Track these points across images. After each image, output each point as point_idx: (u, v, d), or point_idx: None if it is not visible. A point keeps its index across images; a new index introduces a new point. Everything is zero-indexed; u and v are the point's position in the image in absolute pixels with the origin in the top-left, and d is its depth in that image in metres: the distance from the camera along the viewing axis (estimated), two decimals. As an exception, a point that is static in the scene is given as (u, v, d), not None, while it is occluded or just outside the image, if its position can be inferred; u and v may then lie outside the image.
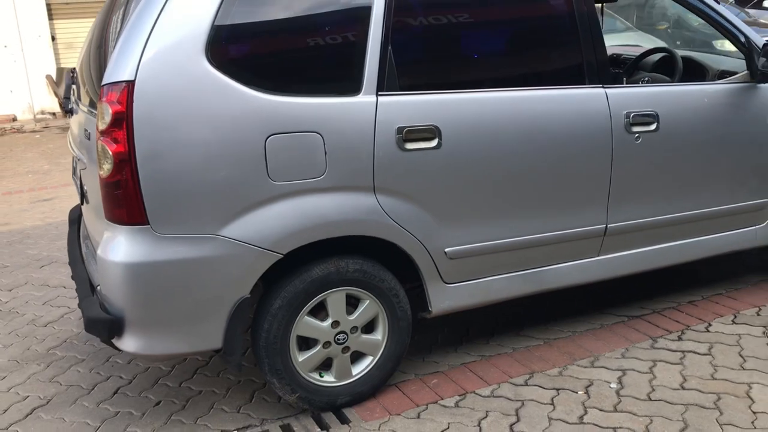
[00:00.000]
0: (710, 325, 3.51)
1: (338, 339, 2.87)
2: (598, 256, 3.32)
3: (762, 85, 3.49)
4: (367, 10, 2.75)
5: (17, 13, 12.42)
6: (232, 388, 3.17)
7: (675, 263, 3.54)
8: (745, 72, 3.49)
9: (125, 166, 2.46)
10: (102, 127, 2.48)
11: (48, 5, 12.67)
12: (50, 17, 12.75)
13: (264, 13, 2.63)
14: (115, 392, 3.19)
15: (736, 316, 3.58)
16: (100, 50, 2.88)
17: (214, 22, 2.53)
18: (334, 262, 2.80)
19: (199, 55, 2.51)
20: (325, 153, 2.66)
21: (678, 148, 3.31)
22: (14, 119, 12.53)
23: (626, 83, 3.89)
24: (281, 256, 2.66)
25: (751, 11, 12.91)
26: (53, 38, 12.77)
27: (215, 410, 3.01)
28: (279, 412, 2.96)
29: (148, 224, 2.51)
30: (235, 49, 2.58)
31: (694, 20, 11.63)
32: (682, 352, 3.26)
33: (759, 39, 3.47)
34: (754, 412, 2.77)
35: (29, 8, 12.46)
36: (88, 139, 2.75)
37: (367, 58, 2.73)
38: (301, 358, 2.83)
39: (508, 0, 3.04)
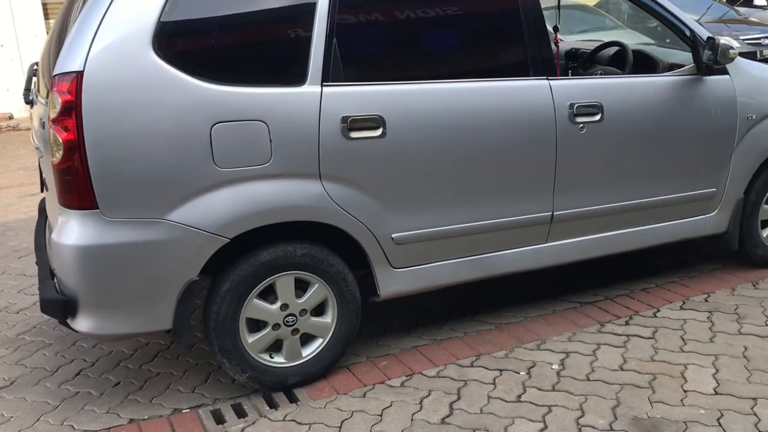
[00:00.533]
0: (658, 310, 3.61)
1: (287, 321, 2.98)
2: (546, 242, 3.42)
3: (707, 77, 3.59)
4: (312, 3, 2.86)
5: (13, 12, 12.58)
6: (189, 370, 3.29)
7: (624, 250, 3.64)
8: (692, 65, 3.59)
9: (75, 153, 2.58)
10: (53, 116, 2.60)
11: (44, 4, 12.83)
12: (46, 16, 12.91)
13: (211, 6, 2.74)
14: (78, 374, 3.30)
15: (684, 303, 3.68)
16: (59, 42, 3.00)
17: (161, 15, 2.65)
18: (282, 246, 2.91)
19: (146, 46, 2.62)
20: (270, 141, 2.77)
21: (623, 138, 3.41)
22: (10, 117, 12.69)
23: (579, 76, 3.99)
24: (228, 240, 2.78)
25: (741, 9, 12.97)
26: (49, 37, 12.92)
27: (171, 390, 3.12)
28: (232, 393, 3.07)
29: (98, 209, 2.63)
30: (182, 41, 2.70)
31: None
32: (627, 336, 3.37)
33: (704, 32, 3.57)
34: (685, 391, 2.87)
35: (25, 7, 12.62)
36: (44, 128, 2.87)
37: (312, 50, 2.84)
38: (250, 339, 2.94)
39: (452, -6, 3.14)
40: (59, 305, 2.72)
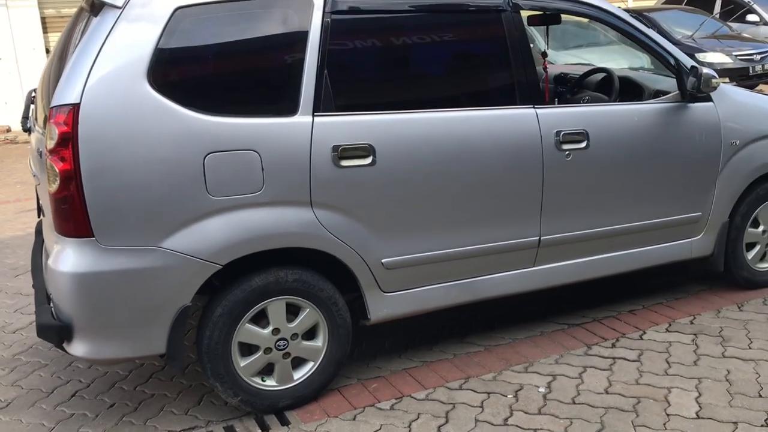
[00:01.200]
0: (644, 333, 3.67)
1: (279, 345, 3.04)
2: (534, 266, 3.49)
3: (692, 104, 3.67)
4: (303, 36, 2.93)
5: (12, 26, 12.66)
6: (183, 392, 3.34)
7: (611, 273, 3.71)
8: (677, 92, 3.67)
9: (71, 183, 2.64)
10: (50, 146, 2.67)
11: (43, 18, 12.92)
12: (45, 30, 12.99)
13: (203, 39, 2.82)
14: (73, 395, 3.36)
15: (670, 325, 3.75)
16: (59, 70, 3.07)
17: (156, 48, 2.73)
18: (274, 272, 2.97)
19: (141, 79, 2.70)
20: (263, 170, 2.84)
21: (609, 165, 3.48)
22: (8, 130, 12.75)
23: (568, 101, 4.08)
24: (220, 266, 2.84)
25: (734, 25, 13.10)
26: (48, 51, 13.00)
27: (165, 412, 3.18)
28: (224, 415, 3.13)
29: (94, 237, 2.69)
30: (176, 73, 2.77)
31: (678, 34, 11.85)
32: (613, 358, 3.43)
33: (688, 61, 3.65)
34: (668, 415, 2.93)
35: (24, 21, 12.70)
36: (41, 157, 2.93)
37: (304, 81, 2.92)
38: (243, 363, 3.00)
39: (440, 25, 3.23)
40: (55, 330, 2.78)
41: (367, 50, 3.08)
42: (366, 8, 3.06)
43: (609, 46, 11.37)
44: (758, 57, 11.77)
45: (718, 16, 13.05)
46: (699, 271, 4.47)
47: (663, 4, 14.68)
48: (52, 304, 2.90)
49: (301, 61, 2.92)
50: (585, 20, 11.80)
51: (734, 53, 11.58)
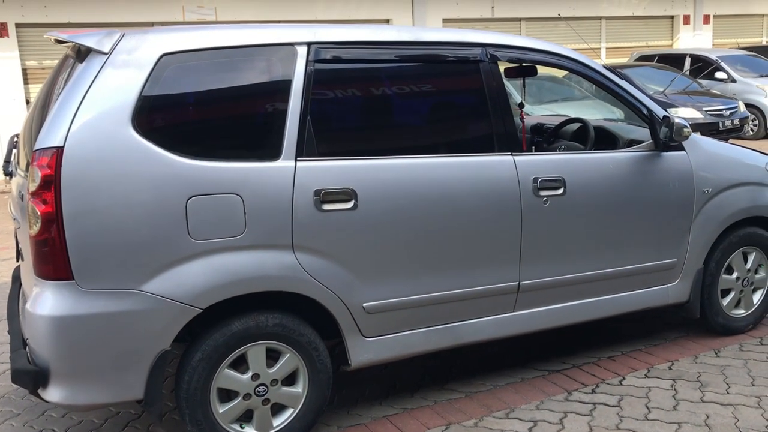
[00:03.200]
0: (624, 378, 3.69)
1: (258, 391, 3.01)
2: (513, 311, 3.51)
3: (665, 153, 3.77)
4: (287, 83, 3.00)
5: (-7, 77, 12.70)
6: (160, 440, 3.28)
7: (590, 319, 3.74)
8: (650, 141, 3.77)
9: (52, 225, 2.64)
10: (32, 189, 2.67)
11: (24, 70, 12.99)
12: (26, 81, 13.04)
13: (189, 85, 2.87)
14: (46, 445, 3.28)
15: (649, 370, 3.77)
16: (42, 115, 3.09)
17: (141, 94, 2.77)
18: (254, 316, 2.96)
19: (125, 123, 2.73)
20: (245, 213, 2.86)
21: (586, 211, 3.55)
22: (-14, 180, 12.65)
23: (545, 150, 4.17)
24: (200, 310, 2.83)
25: (704, 82, 13.51)
26: (28, 102, 13.02)
27: (140, 461, 3.11)
28: (202, 463, 3.06)
29: (74, 280, 2.68)
30: (160, 118, 2.81)
31: (650, 89, 12.18)
32: (594, 404, 3.43)
33: (660, 111, 3.76)
34: (649, 460, 2.93)
35: (6, 72, 12.74)
36: (22, 200, 2.93)
37: (287, 127, 2.97)
38: (221, 409, 2.96)
39: (421, 74, 3.32)
40: (30, 375, 2.74)
41: (349, 97, 3.15)
42: (348, 57, 3.14)
43: (584, 101, 11.66)
44: (727, 113, 12.13)
45: (688, 73, 13.46)
46: (676, 318, 4.52)
47: (635, 61, 15.13)
48: (28, 349, 2.86)
49: (285, 107, 2.98)
50: (560, 76, 12.17)
51: (704, 109, 11.93)
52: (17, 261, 3.47)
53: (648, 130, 3.83)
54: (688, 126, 3.69)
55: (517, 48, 3.52)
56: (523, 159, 3.42)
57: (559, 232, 3.50)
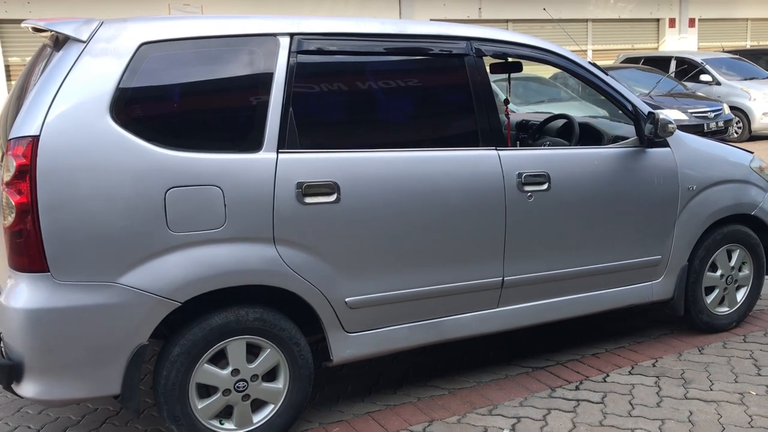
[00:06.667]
0: (608, 375, 3.67)
1: (238, 387, 2.96)
2: (497, 307, 3.48)
3: (650, 149, 3.75)
4: (269, 74, 2.95)
5: (-25, 74, 12.56)
6: (138, 437, 3.23)
7: (574, 315, 3.72)
8: (635, 137, 3.76)
9: (27, 216, 2.59)
10: (6, 178, 2.61)
11: (7, 66, 12.86)
12: (8, 78, 12.91)
13: (168, 75, 2.82)
14: (21, 442, 3.22)
15: (633, 368, 3.75)
16: (18, 105, 3.03)
17: (119, 82, 2.72)
18: (234, 310, 2.91)
19: (103, 113, 2.68)
20: (225, 205, 2.82)
21: (570, 207, 3.52)
22: (-34, 178, 12.51)
23: (529, 146, 4.15)
24: (179, 304, 2.78)
25: (689, 84, 13.58)
26: (10, 98, 12.89)
27: (117, 458, 3.05)
28: (180, 460, 3.01)
29: (49, 272, 2.62)
30: (139, 108, 2.75)
31: (636, 91, 12.23)
32: (577, 400, 3.41)
33: (645, 107, 3.75)
34: (632, 456, 2.91)
35: (-12, 68, 12.63)
36: (-3, 190, 2.87)
37: (269, 119, 2.93)
38: (200, 405, 2.91)
39: (405, 69, 3.28)
40: (4, 370, 2.68)
41: (332, 90, 3.11)
42: (331, 49, 3.10)
43: (570, 102, 11.68)
44: (712, 115, 12.21)
45: (673, 75, 13.53)
46: (660, 316, 4.51)
47: (621, 63, 15.20)
48: (1, 343, 2.80)
49: (267, 98, 2.93)
50: (546, 76, 12.19)
51: (690, 111, 11.99)
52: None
53: (628, 126, 3.82)
54: (673, 122, 3.68)
55: (503, 42, 3.49)
56: (508, 154, 3.39)
57: (543, 228, 3.48)
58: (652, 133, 3.68)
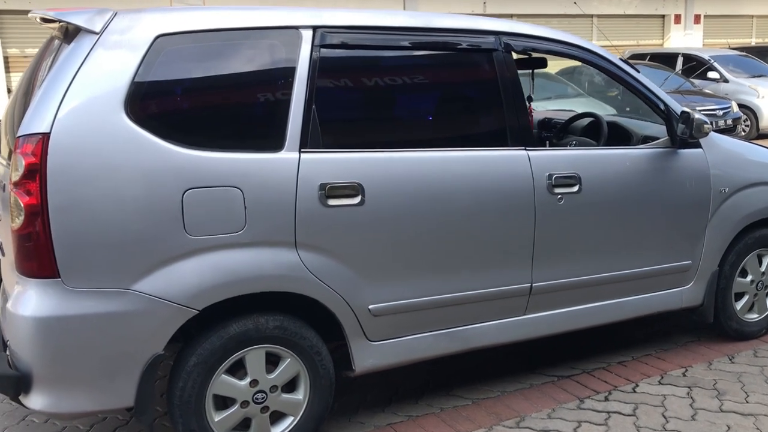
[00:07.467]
0: (637, 385, 3.53)
1: (257, 398, 2.81)
2: (524, 314, 3.33)
3: (681, 150, 3.61)
4: (291, 69, 2.80)
5: (-27, 66, 12.38)
6: (149, 449, 3.07)
7: (602, 323, 3.57)
8: (666, 138, 3.61)
9: (37, 218, 2.43)
10: (15, 178, 2.46)
11: (5, 58, 12.67)
12: (7, 69, 12.73)
13: (186, 70, 2.66)
14: (26, 453, 3.07)
15: (662, 377, 3.61)
16: (26, 100, 2.88)
17: (134, 77, 2.56)
18: (254, 318, 2.77)
19: (117, 109, 2.52)
20: (245, 208, 2.66)
21: (601, 210, 3.38)
22: (-36, 171, 12.33)
23: (554, 146, 4.00)
24: (197, 311, 2.63)
25: (696, 81, 13.43)
26: (9, 90, 12.70)
27: (129, 472, 2.91)
28: (195, 474, 2.86)
29: (59, 278, 2.47)
30: (155, 104, 2.60)
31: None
32: (608, 412, 3.27)
33: (678, 106, 3.60)
34: (672, 474, 2.77)
35: (-14, 61, 12.44)
36: (4, 190, 2.71)
37: (291, 116, 2.77)
38: (217, 418, 2.76)
39: (432, 65, 3.13)
40: (12, 381, 2.53)
41: (356, 86, 2.95)
42: (356, 43, 2.95)
43: (577, 98, 11.53)
44: (721, 113, 12.05)
45: (680, 72, 13.38)
46: (684, 321, 4.37)
47: (627, 59, 15.04)
48: (8, 352, 2.65)
49: (288, 94, 2.78)
50: (553, 72, 12.02)
51: (698, 108, 11.82)
52: (-2, 256, 3.24)
53: (660, 127, 3.67)
54: (708, 122, 3.53)
55: (533, 37, 3.34)
56: (538, 154, 3.24)
57: (573, 232, 3.33)
58: (685, 134, 3.53)
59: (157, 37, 2.62)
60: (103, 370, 2.56)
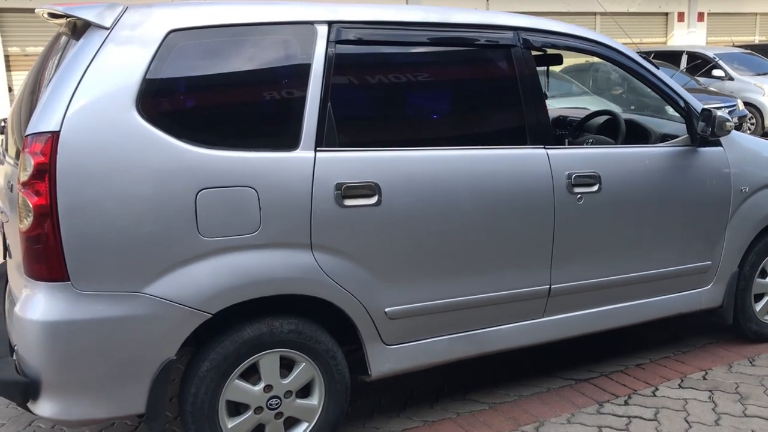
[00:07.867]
0: (657, 389, 3.45)
1: (271, 404, 2.73)
2: (543, 317, 3.26)
3: (702, 148, 3.53)
4: (306, 66, 2.72)
5: (-26, 64, 12.28)
6: (160, 456, 2.99)
7: (621, 325, 3.49)
8: (686, 136, 3.53)
9: (46, 219, 2.35)
10: (24, 178, 2.38)
11: (6, 56, 12.57)
12: (8, 68, 12.62)
13: (198, 67, 2.58)
14: (34, 460, 2.99)
15: (682, 380, 3.53)
16: (32, 99, 2.80)
17: (146, 74, 2.48)
18: (268, 322, 2.69)
19: (129, 107, 2.44)
20: (260, 208, 2.59)
21: (621, 210, 3.30)
22: (-35, 170, 12.24)
23: (570, 144, 3.91)
24: (210, 315, 2.55)
25: (701, 79, 13.35)
26: (10, 89, 12.61)
27: (139, 480, 2.83)
28: (207, 482, 2.78)
29: (69, 281, 2.39)
30: (167, 102, 2.52)
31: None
32: (628, 417, 3.19)
33: (698, 104, 3.52)
34: (699, 482, 2.69)
35: (-13, 58, 12.35)
36: (11, 190, 2.63)
37: (306, 114, 2.69)
38: (230, 424, 2.69)
39: (449, 61, 3.05)
40: (19, 387, 2.45)
41: (372, 83, 2.87)
42: (372, 39, 2.87)
43: (582, 96, 11.45)
44: (726, 111, 11.98)
45: (684, 70, 13.29)
46: (701, 323, 4.30)
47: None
48: (16, 357, 2.57)
49: (303, 91, 2.70)
50: (557, 70, 11.95)
51: (704, 106, 11.73)
52: (4, 258, 3.16)
53: (674, 124, 3.59)
54: (731, 120, 3.45)
55: (553, 33, 3.26)
56: (557, 153, 3.16)
57: (592, 233, 3.25)
58: (706, 132, 3.45)
59: (170, 32, 2.55)
60: (114, 376, 2.48)
